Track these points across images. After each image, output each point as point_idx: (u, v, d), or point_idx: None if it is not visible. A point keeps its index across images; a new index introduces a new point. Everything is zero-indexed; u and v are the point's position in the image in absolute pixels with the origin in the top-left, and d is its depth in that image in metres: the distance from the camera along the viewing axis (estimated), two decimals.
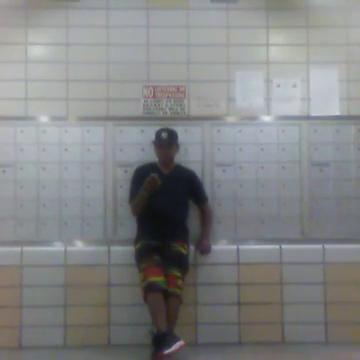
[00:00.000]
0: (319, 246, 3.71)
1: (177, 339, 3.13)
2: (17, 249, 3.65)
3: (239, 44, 3.84)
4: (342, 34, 3.87)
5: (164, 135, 3.53)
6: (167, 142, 3.54)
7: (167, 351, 3.05)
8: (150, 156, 3.68)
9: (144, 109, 3.81)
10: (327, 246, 3.72)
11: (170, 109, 3.82)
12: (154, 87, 3.81)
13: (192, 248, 3.63)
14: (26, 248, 3.66)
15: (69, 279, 3.64)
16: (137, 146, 3.79)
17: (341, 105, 3.84)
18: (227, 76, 3.83)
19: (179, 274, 3.34)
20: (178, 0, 3.86)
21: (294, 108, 3.84)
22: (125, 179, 3.72)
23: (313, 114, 3.83)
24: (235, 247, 3.71)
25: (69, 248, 3.68)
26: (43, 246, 3.67)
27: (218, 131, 3.81)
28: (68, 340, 3.62)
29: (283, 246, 3.71)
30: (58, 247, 3.69)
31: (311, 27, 3.86)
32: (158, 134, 3.56)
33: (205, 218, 3.69)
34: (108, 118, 3.78)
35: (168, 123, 3.72)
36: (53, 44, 3.82)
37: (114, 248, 3.68)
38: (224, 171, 3.79)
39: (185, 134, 3.77)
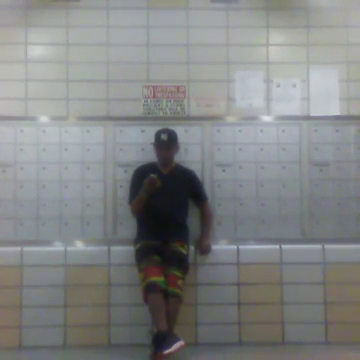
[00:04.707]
0: (319, 246, 3.71)
1: (177, 339, 3.13)
2: (17, 249, 3.65)
3: (239, 44, 3.84)
4: (342, 34, 3.87)
5: (164, 137, 3.52)
6: (167, 144, 3.53)
7: (167, 351, 3.05)
8: (150, 156, 3.68)
9: (144, 109, 3.81)
10: (327, 246, 3.71)
11: (170, 109, 3.82)
12: (154, 87, 3.81)
13: (192, 248, 3.63)
14: (26, 248, 3.66)
15: (69, 279, 3.64)
16: (137, 146, 3.79)
17: (341, 105, 3.84)
18: (227, 76, 3.83)
19: (179, 274, 3.33)
20: (178, 0, 3.86)
21: (294, 108, 3.84)
22: (125, 179, 3.72)
23: (313, 114, 3.83)
24: (235, 247, 3.71)
25: (69, 248, 3.68)
26: (43, 246, 3.67)
27: (218, 131, 3.81)
28: (68, 340, 3.62)
29: (283, 246, 3.71)
30: (58, 247, 3.69)
31: (311, 27, 3.86)
32: (158, 135, 3.55)
33: (205, 218, 3.69)
34: (108, 118, 3.78)
35: (168, 123, 3.72)
36: (53, 44, 3.82)
37: (114, 248, 3.68)
38: (224, 171, 3.79)
39: (185, 134, 3.76)
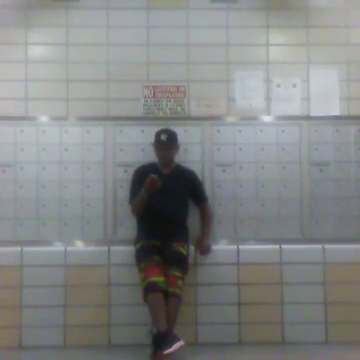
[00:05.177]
0: (319, 246, 3.72)
1: (177, 339, 3.13)
2: (17, 249, 3.65)
3: (239, 44, 3.84)
4: (342, 34, 3.87)
5: (164, 137, 3.52)
6: (167, 144, 3.53)
7: (167, 351, 3.05)
8: (150, 156, 3.68)
9: (144, 109, 3.81)
10: (327, 246, 3.72)
11: (170, 109, 3.82)
12: (154, 87, 3.81)
13: (192, 248, 3.63)
14: (26, 248, 3.66)
15: (69, 279, 3.64)
16: (137, 146, 3.79)
17: (341, 105, 3.84)
18: (227, 76, 3.83)
19: (179, 274, 3.33)
20: (178, 0, 3.86)
21: (294, 108, 3.84)
22: (125, 179, 3.72)
23: (313, 114, 3.83)
24: (235, 247, 3.71)
25: (69, 248, 3.68)
26: (43, 246, 3.67)
27: (218, 131, 3.81)
28: (68, 340, 3.62)
29: (283, 246, 3.71)
30: (58, 247, 3.69)
31: (311, 27, 3.86)
32: (158, 136, 3.55)
33: (205, 218, 3.69)
34: (108, 118, 3.78)
35: (168, 123, 3.72)
36: (53, 44, 3.82)
37: (114, 248, 3.68)
38: (224, 171, 3.79)
39: (185, 134, 3.76)
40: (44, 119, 3.77)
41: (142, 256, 3.41)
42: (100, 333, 3.63)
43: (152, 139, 3.60)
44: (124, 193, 3.69)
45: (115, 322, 3.64)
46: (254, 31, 3.87)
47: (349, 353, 3.44)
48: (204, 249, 3.64)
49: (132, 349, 3.50)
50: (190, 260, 3.55)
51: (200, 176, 3.74)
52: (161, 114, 3.81)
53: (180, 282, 3.32)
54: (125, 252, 3.64)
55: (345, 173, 3.80)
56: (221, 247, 3.71)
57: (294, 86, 3.84)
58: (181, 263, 3.40)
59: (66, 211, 3.73)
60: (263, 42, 3.86)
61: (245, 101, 3.84)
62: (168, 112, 3.82)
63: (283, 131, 3.81)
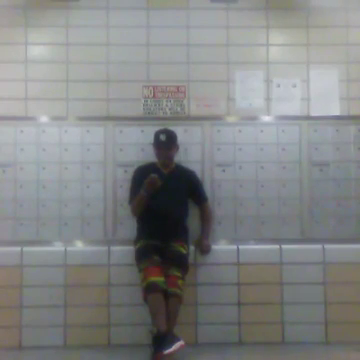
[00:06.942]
0: (319, 246, 3.72)
1: (177, 339, 3.13)
2: (17, 249, 3.65)
3: (239, 44, 3.84)
4: (342, 34, 3.87)
5: (163, 137, 3.52)
6: (166, 144, 3.53)
7: (167, 351, 3.05)
8: (150, 156, 3.68)
9: (144, 109, 3.81)
10: (327, 246, 3.72)
11: (170, 109, 3.82)
12: (154, 87, 3.81)
13: (192, 248, 3.63)
14: (26, 248, 3.66)
15: (69, 279, 3.64)
16: (137, 146, 3.79)
17: (341, 105, 3.84)
18: (227, 76, 3.83)
19: (179, 274, 3.34)
20: (178, 0, 3.86)
21: (294, 108, 3.84)
22: (125, 179, 3.72)
23: (313, 114, 3.83)
24: (235, 247, 3.71)
25: (69, 248, 3.68)
26: (43, 246, 3.67)
27: (218, 131, 3.81)
28: (68, 340, 3.62)
29: (283, 246, 3.71)
30: (58, 247, 3.69)
31: (311, 27, 3.86)
32: (157, 136, 3.55)
33: (205, 218, 3.69)
34: (108, 118, 3.78)
35: (168, 123, 3.72)
36: (53, 44, 3.82)
37: (114, 248, 3.68)
38: (224, 171, 3.79)
39: (185, 134, 3.76)
40: (44, 119, 3.77)
41: (142, 256, 3.41)
42: (100, 333, 3.63)
43: (152, 139, 3.60)
44: (124, 193, 3.69)
45: (115, 322, 3.64)
46: (254, 31, 3.87)
47: (349, 353, 3.45)
48: (204, 249, 3.64)
49: (132, 349, 3.50)
50: (190, 260, 3.54)
51: (200, 176, 3.74)
52: (161, 114, 3.81)
53: (180, 282, 3.32)
54: (125, 252, 3.64)
55: (345, 173, 3.80)
56: (221, 247, 3.71)
57: (294, 86, 3.84)
58: (181, 263, 3.40)
59: (66, 211, 3.73)
60: (263, 42, 3.86)
61: (245, 101, 3.84)
62: (168, 112, 3.82)
63: (283, 131, 3.81)
